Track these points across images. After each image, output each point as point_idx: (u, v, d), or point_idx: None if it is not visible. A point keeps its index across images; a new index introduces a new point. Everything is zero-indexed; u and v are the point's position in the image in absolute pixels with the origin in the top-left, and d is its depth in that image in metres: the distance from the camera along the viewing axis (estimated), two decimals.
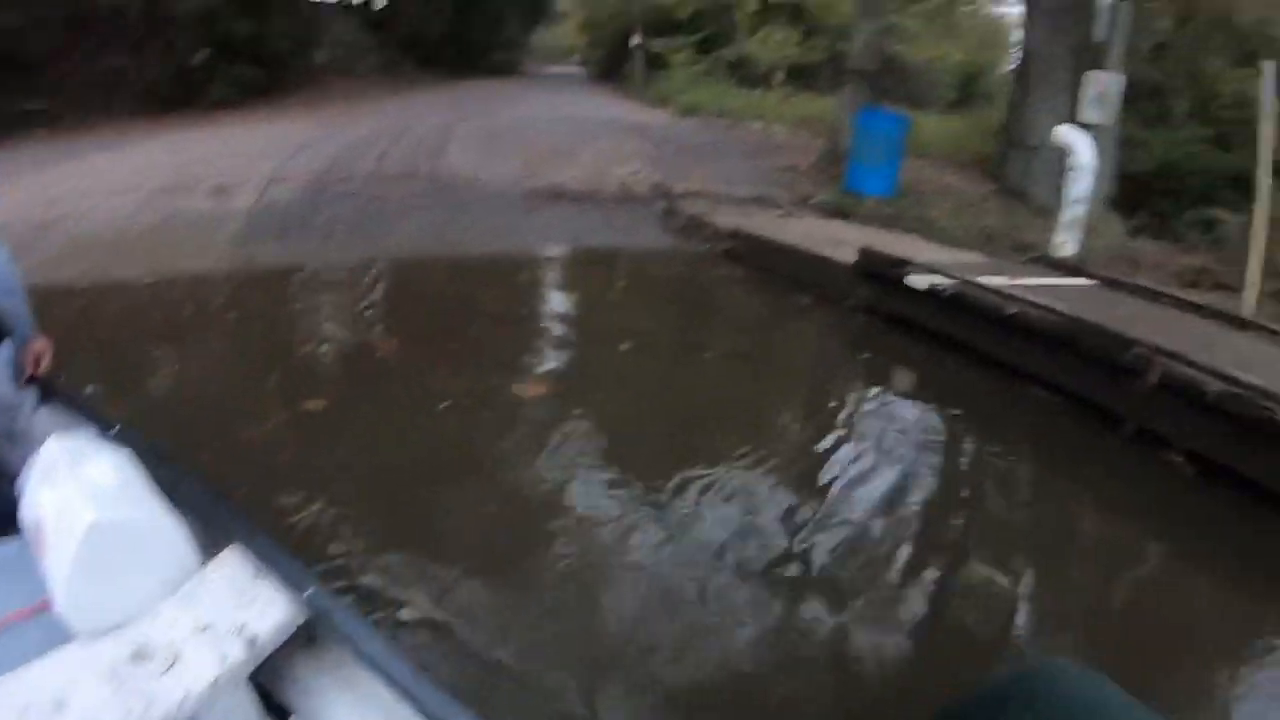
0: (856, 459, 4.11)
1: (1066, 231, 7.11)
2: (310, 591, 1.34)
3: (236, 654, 1.24)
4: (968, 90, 19.74)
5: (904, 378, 5.44)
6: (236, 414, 4.21)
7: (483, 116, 15.36)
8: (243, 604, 1.33)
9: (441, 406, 4.38)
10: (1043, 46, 10.12)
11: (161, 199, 8.81)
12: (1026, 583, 3.30)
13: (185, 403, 4.42)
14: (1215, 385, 4.24)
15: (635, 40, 23.06)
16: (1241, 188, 10.22)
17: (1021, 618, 3.08)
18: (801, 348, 6.15)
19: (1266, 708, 2.82)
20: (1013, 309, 5.25)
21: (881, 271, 6.23)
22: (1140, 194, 10.22)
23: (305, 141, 11.94)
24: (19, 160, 10.64)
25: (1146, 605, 3.35)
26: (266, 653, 1.29)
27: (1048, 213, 7.99)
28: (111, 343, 5.37)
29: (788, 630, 2.88)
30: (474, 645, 2.68)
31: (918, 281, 5.88)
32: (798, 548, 3.34)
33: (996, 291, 5.47)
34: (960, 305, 5.60)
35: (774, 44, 20.29)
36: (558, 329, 5.97)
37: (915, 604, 3.08)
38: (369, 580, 2.96)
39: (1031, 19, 10.78)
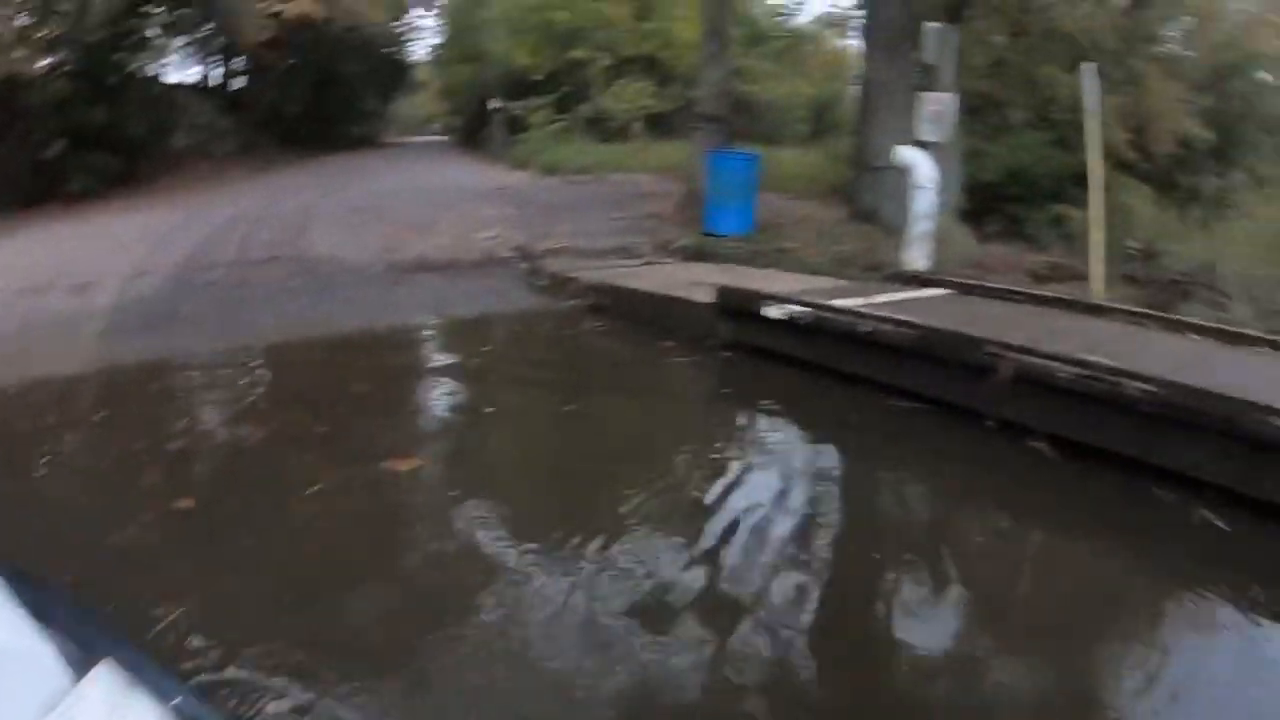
0: (736, 488, 4.16)
1: (916, 247, 7.37)
2: (179, 700, 1.29)
3: None
4: (821, 122, 20.40)
5: (771, 405, 5.53)
6: (106, 519, 4.04)
7: (344, 192, 15.28)
8: (116, 718, 1.27)
9: (310, 491, 4.26)
10: (880, 74, 10.56)
11: (22, 300, 8.54)
12: (915, 577, 3.40)
13: (52, 511, 4.23)
14: (1065, 370, 4.49)
15: (493, 104, 23.25)
16: (1085, 184, 10.81)
17: (915, 610, 3.17)
18: (669, 391, 6.20)
19: (1159, 662, 2.96)
20: (867, 327, 5.39)
21: (739, 307, 6.34)
22: (991, 201, 10.73)
23: (167, 230, 11.79)
24: None
25: (1029, 581, 3.52)
26: None
27: (899, 231, 8.27)
28: None
29: (718, 658, 2.88)
30: None
31: (774, 312, 6.00)
32: (695, 578, 3.34)
33: (850, 312, 5.62)
34: (817, 330, 5.74)
35: (629, 96, 20.67)
36: (426, 400, 5.94)
37: (817, 611, 3.16)
38: (244, 677, 2.84)
39: (869, 48, 11.25)
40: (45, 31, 15.30)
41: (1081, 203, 9.68)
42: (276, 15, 22.06)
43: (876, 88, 10.48)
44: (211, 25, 23.05)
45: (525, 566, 3.42)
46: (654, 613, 3.09)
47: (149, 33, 19.93)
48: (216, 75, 25.58)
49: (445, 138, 33.00)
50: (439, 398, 5.98)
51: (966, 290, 6.56)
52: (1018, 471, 4.38)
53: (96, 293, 8.77)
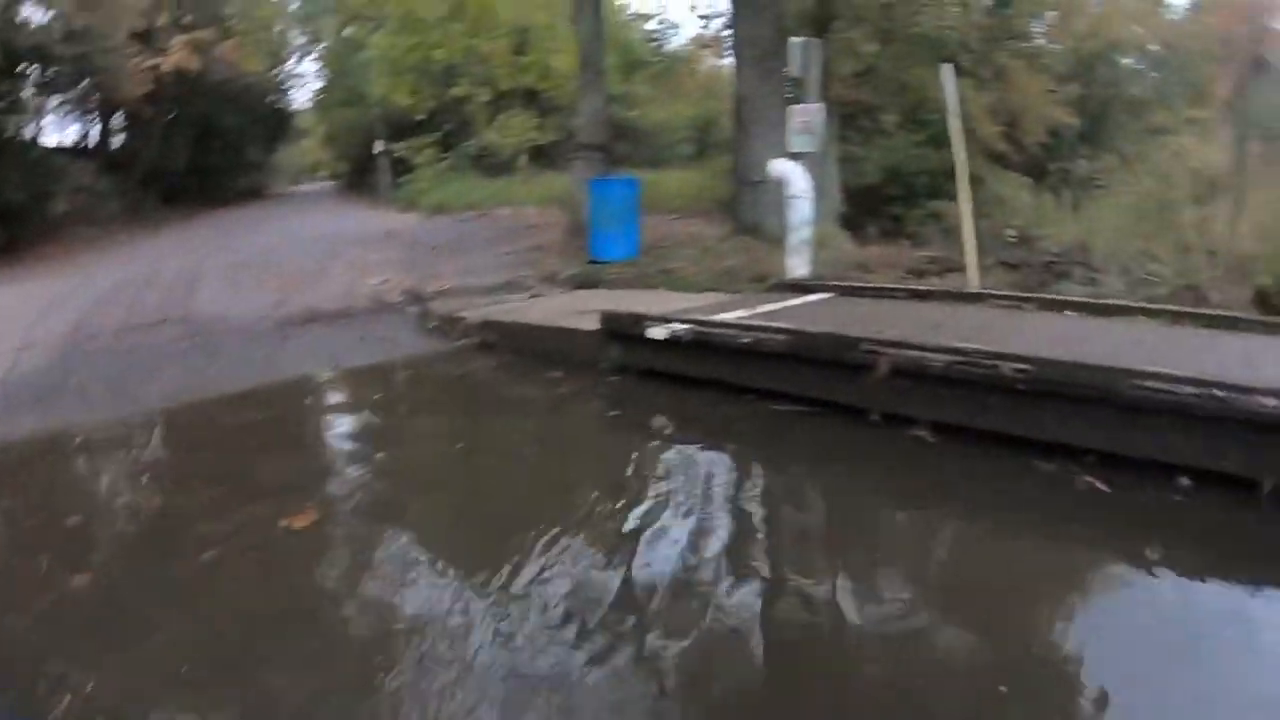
0: (634, 506, 4.18)
1: (796, 255, 7.50)
2: None
3: None
4: (704, 141, 20.70)
5: (661, 423, 5.55)
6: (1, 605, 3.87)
7: (231, 248, 15.07)
8: None
9: (207, 556, 4.13)
10: (752, 90, 10.77)
11: None
12: (817, 572, 3.51)
13: None
14: (939, 359, 4.65)
15: (378, 147, 23.12)
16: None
17: (827, 601, 3.25)
18: (560, 421, 6.20)
19: (1066, 620, 3.12)
20: (748, 338, 5.47)
21: (624, 331, 6.38)
22: (872, 203, 11.02)
23: (52, 299, 11.53)
24: None
25: (923, 562, 3.63)
26: None
27: (781, 242, 8.40)
28: None
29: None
30: None
31: (657, 332, 6.05)
32: (616, 598, 3.35)
33: (731, 325, 5.70)
34: (701, 345, 5.81)
35: (512, 129, 20.77)
36: (320, 453, 5.84)
37: (737, 618, 3.20)
38: None
39: (739, 65, 11.47)
40: None
41: (951, 198, 10.04)
42: (153, 69, 21.68)
43: (749, 104, 10.69)
44: (87, 82, 22.50)
45: (442, 611, 3.37)
46: (584, 636, 3.11)
47: (24, 94, 19.44)
48: (95, 134, 24.98)
49: (332, 184, 32.65)
50: (334, 450, 5.90)
51: (847, 292, 6.71)
52: (901, 460, 4.53)
53: None
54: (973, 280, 6.82)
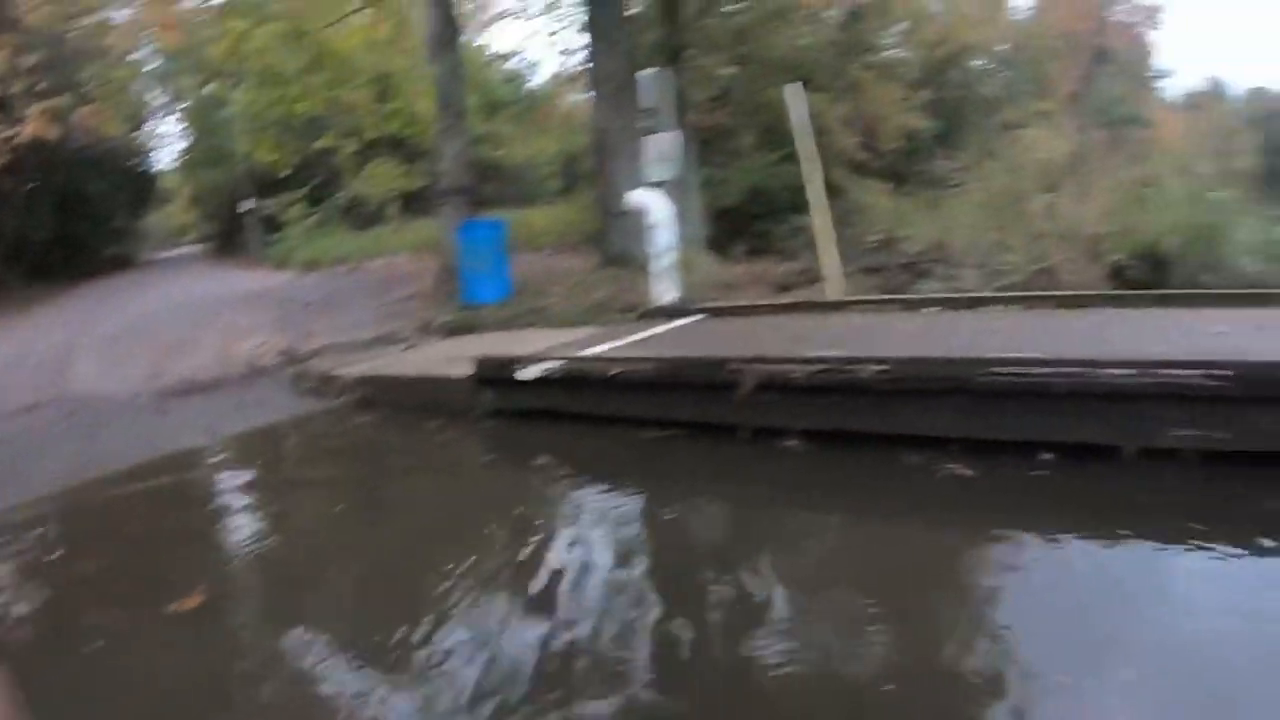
0: (522, 546, 4.16)
1: (662, 282, 7.59)
2: None
3: None
4: (571, 175, 20.84)
5: (538, 462, 5.55)
6: None
7: (103, 320, 14.62)
8: None
9: (89, 649, 3.95)
10: (610, 122, 10.90)
11: None
12: (703, 591, 3.57)
13: None
14: (801, 370, 4.78)
15: (245, 206, 22.67)
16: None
17: (721, 619, 3.33)
18: (440, 470, 6.15)
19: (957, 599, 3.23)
20: (616, 369, 5.51)
21: (496, 374, 6.37)
22: (738, 223, 11.24)
23: None
24: None
25: (807, 566, 3.73)
26: None
27: (648, 270, 8.49)
28: None
29: None
30: None
31: (529, 373, 6.05)
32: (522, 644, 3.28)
33: (598, 358, 5.74)
34: (572, 381, 5.84)
35: (381, 179, 20.59)
36: (205, 528, 5.66)
37: (644, 643, 3.22)
38: None
39: (597, 98, 11.59)
40: None
41: (828, 210, 10.29)
42: (9, 140, 20.89)
43: (608, 136, 10.81)
44: None
45: (346, 697, 3.24)
46: (504, 688, 3.07)
47: None
48: None
49: (201, 247, 31.83)
50: (218, 522, 5.74)
51: (715, 314, 6.83)
52: (774, 473, 4.64)
53: None
54: (835, 290, 7.00)
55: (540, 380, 5.99)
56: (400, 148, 21.65)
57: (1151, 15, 30.88)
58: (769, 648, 3.13)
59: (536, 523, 4.60)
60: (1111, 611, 3.07)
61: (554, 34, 27.91)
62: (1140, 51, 31.60)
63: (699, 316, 6.89)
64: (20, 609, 4.83)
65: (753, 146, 12.56)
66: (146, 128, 31.14)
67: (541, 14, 20.11)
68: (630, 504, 4.69)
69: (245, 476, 7.00)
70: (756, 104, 13.78)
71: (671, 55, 12.83)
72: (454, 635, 3.48)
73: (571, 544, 4.18)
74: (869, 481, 4.40)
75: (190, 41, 22.48)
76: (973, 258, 8.50)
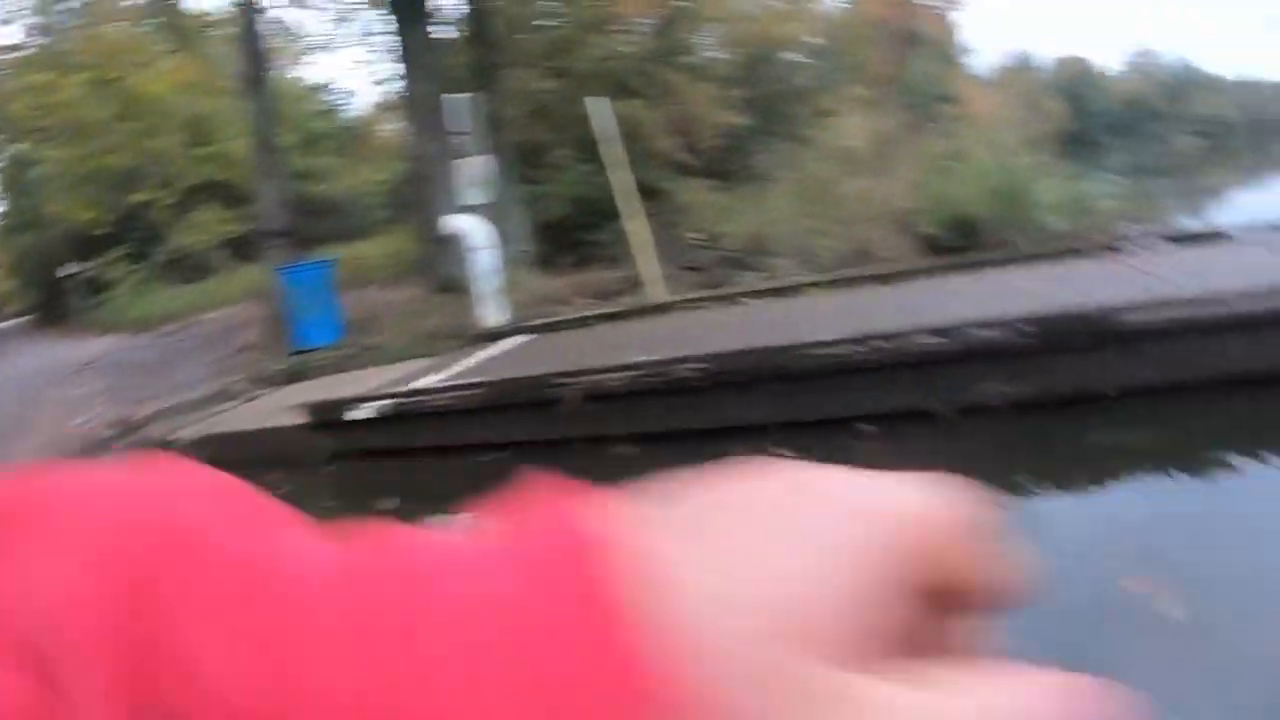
0: None
1: (488, 305, 7.60)
2: None
3: None
4: (398, 204, 20.55)
5: (377, 503, 5.48)
6: None
7: None
8: None
9: None
10: (427, 149, 10.81)
11: None
12: None
13: None
14: (621, 377, 4.88)
15: (67, 270, 21.56)
16: (644, 197, 11.67)
17: None
18: None
19: None
20: (445, 399, 5.51)
21: (329, 419, 6.29)
22: (565, 235, 11.30)
23: None
24: None
25: None
26: None
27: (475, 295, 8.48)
28: None
29: None
30: None
31: (361, 413, 5.98)
32: None
33: (426, 390, 5.72)
34: (406, 416, 5.79)
35: (204, 227, 19.91)
36: None
37: None
38: None
39: (413, 125, 11.48)
40: None
41: (643, 215, 10.45)
42: None
43: (424, 163, 10.73)
44: None
45: None
46: None
47: None
48: None
49: (22, 319, 30.13)
50: None
51: (543, 330, 6.89)
52: (602, 477, 4.63)
53: None
54: (657, 293, 7.13)
55: (375, 419, 5.93)
56: (221, 192, 20.94)
57: None
58: None
59: None
60: None
61: (367, 63, 27.56)
62: (948, 32, 33.03)
63: (526, 336, 6.92)
64: None
65: (573, 158, 12.63)
66: None
67: (353, 44, 19.82)
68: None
69: None
70: (574, 115, 13.87)
71: (485, 76, 12.78)
72: None
73: None
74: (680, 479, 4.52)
75: None
76: (789, 246, 8.75)
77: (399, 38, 12.19)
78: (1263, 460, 4.09)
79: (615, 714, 0.18)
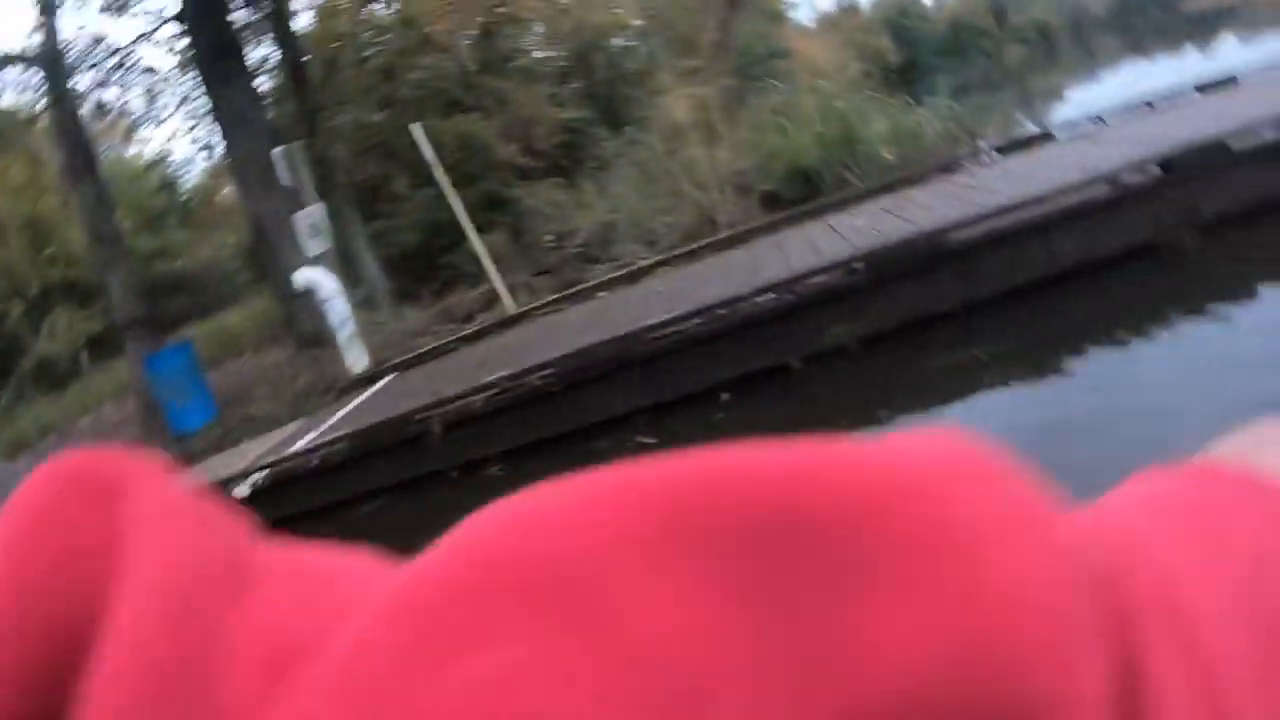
0: None
1: (350, 352, 7.54)
2: None
3: None
4: (254, 266, 20.13)
5: None
6: None
7: None
8: None
9: None
10: (262, 206, 10.58)
11: None
12: None
13: None
14: (477, 399, 4.96)
15: None
16: (494, 209, 11.66)
17: None
18: None
19: None
20: (315, 460, 5.47)
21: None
22: (423, 262, 11.21)
23: None
24: None
25: None
26: None
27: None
28: None
29: None
30: None
31: (242, 491, 5.88)
32: None
33: (299, 453, 5.65)
34: (283, 484, 5.72)
35: (64, 331, 19.22)
36: None
37: None
38: None
39: (244, 185, 11.25)
40: None
41: (493, 227, 10.43)
42: None
43: (264, 221, 10.52)
44: None
45: None
46: None
47: None
48: None
49: None
50: None
51: (408, 365, 6.89)
52: (477, 500, 4.67)
53: None
54: (511, 306, 7.17)
55: (253, 494, 5.83)
56: (74, 292, 20.22)
57: None
58: None
59: None
60: None
61: (190, 129, 26.83)
62: None
63: (392, 374, 6.89)
64: None
65: (414, 185, 12.51)
66: None
67: (175, 112, 19.17)
68: None
69: None
70: (408, 143, 13.75)
71: (309, 120, 12.59)
72: None
73: None
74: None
75: None
76: (635, 231, 8.83)
77: (215, 100, 11.91)
78: (1106, 349, 4.28)
79: None
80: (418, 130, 7.83)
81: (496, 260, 9.34)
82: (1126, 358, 4.21)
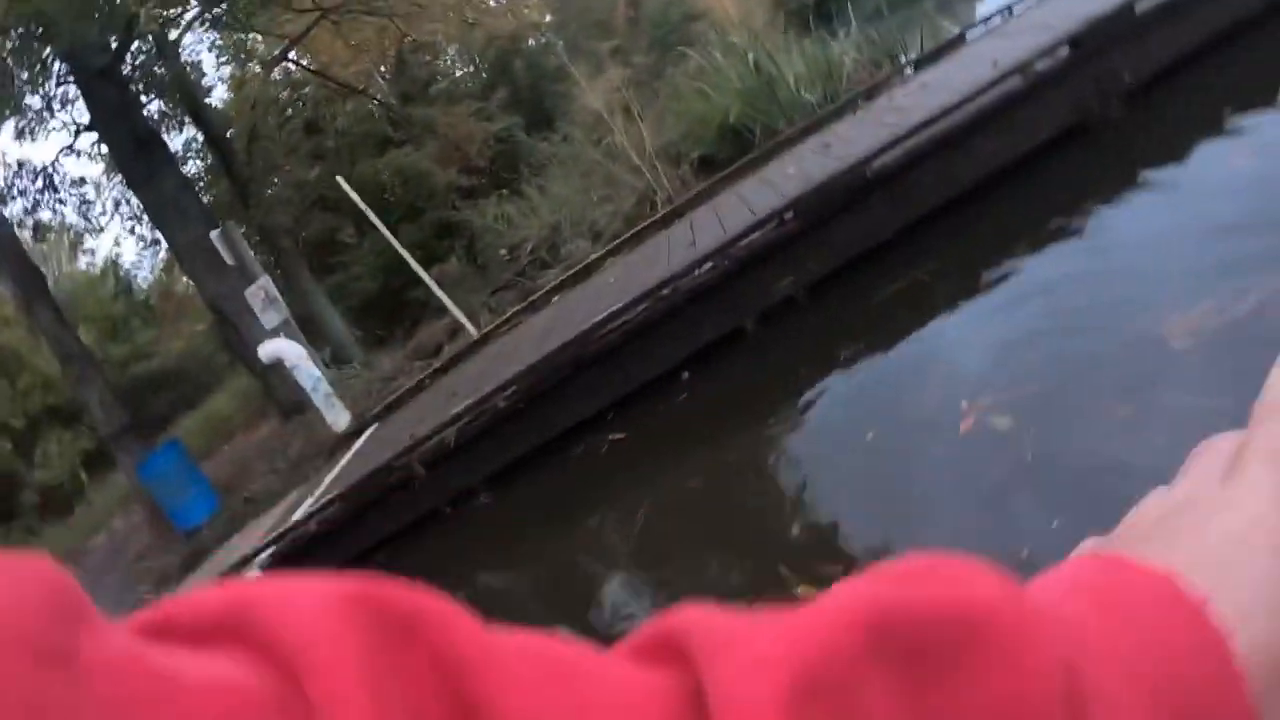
0: None
1: (330, 411, 7.65)
2: None
3: None
4: (226, 347, 20.22)
5: None
6: None
7: None
8: None
9: None
10: (216, 289, 10.69)
11: None
12: None
13: None
14: (449, 433, 5.17)
15: None
16: (448, 235, 11.73)
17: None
18: None
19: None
20: (315, 525, 5.57)
21: None
22: (391, 303, 11.34)
23: None
24: None
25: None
26: None
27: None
28: None
29: None
30: None
31: (252, 573, 5.98)
32: None
33: (299, 523, 5.78)
34: (293, 556, 5.83)
35: (58, 458, 19.34)
36: None
37: None
38: None
39: (193, 272, 11.36)
40: None
41: (449, 253, 10.53)
42: None
43: (220, 303, 10.65)
44: None
45: None
46: None
47: None
48: None
49: None
50: None
51: (386, 411, 6.98)
52: (469, 538, 4.78)
53: None
54: (472, 330, 7.30)
55: (265, 572, 5.95)
56: (59, 414, 20.33)
57: None
58: None
59: None
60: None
61: (133, 229, 26.85)
62: None
63: (374, 425, 7.01)
64: None
65: (362, 231, 12.61)
66: None
67: (113, 215, 19.13)
68: None
69: None
70: (342, 192, 13.88)
71: (243, 195, 12.69)
72: None
73: None
74: (548, 501, 4.72)
75: None
76: (579, 227, 8.92)
77: (142, 197, 11.98)
78: (1051, 244, 4.24)
79: None
80: (342, 182, 7.95)
81: (456, 285, 9.46)
82: (1072, 249, 4.15)
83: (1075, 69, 4.98)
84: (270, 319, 8.07)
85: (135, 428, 11.60)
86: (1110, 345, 3.21)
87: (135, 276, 23.68)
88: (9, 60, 10.94)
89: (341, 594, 0.22)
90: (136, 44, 11.20)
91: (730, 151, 9.22)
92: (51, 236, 20.35)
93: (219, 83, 16.92)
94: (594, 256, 7.46)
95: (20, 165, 14.09)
